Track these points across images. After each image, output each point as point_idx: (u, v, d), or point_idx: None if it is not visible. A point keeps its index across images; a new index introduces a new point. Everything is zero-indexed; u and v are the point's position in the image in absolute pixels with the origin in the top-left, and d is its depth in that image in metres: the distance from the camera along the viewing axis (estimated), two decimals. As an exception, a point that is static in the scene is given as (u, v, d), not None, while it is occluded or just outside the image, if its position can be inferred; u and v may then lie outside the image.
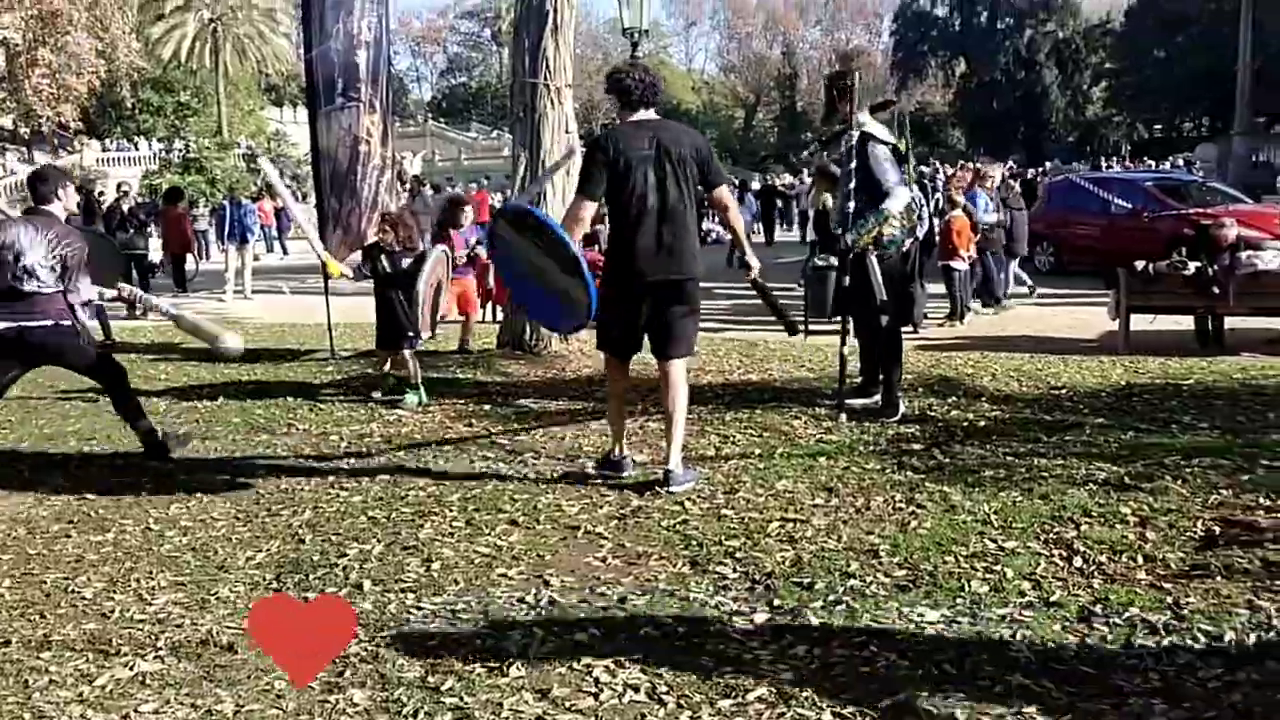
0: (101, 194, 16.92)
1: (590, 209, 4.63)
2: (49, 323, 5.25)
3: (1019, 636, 3.12)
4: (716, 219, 26.57)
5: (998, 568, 3.64)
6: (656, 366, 4.82)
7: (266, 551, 4.13)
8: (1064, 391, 6.59)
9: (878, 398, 6.16)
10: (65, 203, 5.48)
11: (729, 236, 8.74)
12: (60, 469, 5.51)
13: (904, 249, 7.34)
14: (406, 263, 6.77)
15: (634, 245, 4.49)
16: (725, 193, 4.90)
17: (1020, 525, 4.04)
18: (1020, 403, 6.29)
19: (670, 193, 4.47)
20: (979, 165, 13.88)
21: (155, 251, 19.35)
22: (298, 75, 24.22)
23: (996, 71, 54.27)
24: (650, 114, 4.65)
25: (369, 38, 9.15)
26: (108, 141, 43.64)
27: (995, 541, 3.89)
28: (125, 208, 16.09)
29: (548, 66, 7.99)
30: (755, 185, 28.28)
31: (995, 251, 11.23)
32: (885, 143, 5.89)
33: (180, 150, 40.66)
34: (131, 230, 14.92)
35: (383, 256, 6.89)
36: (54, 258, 5.19)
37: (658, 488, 4.63)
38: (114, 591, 3.77)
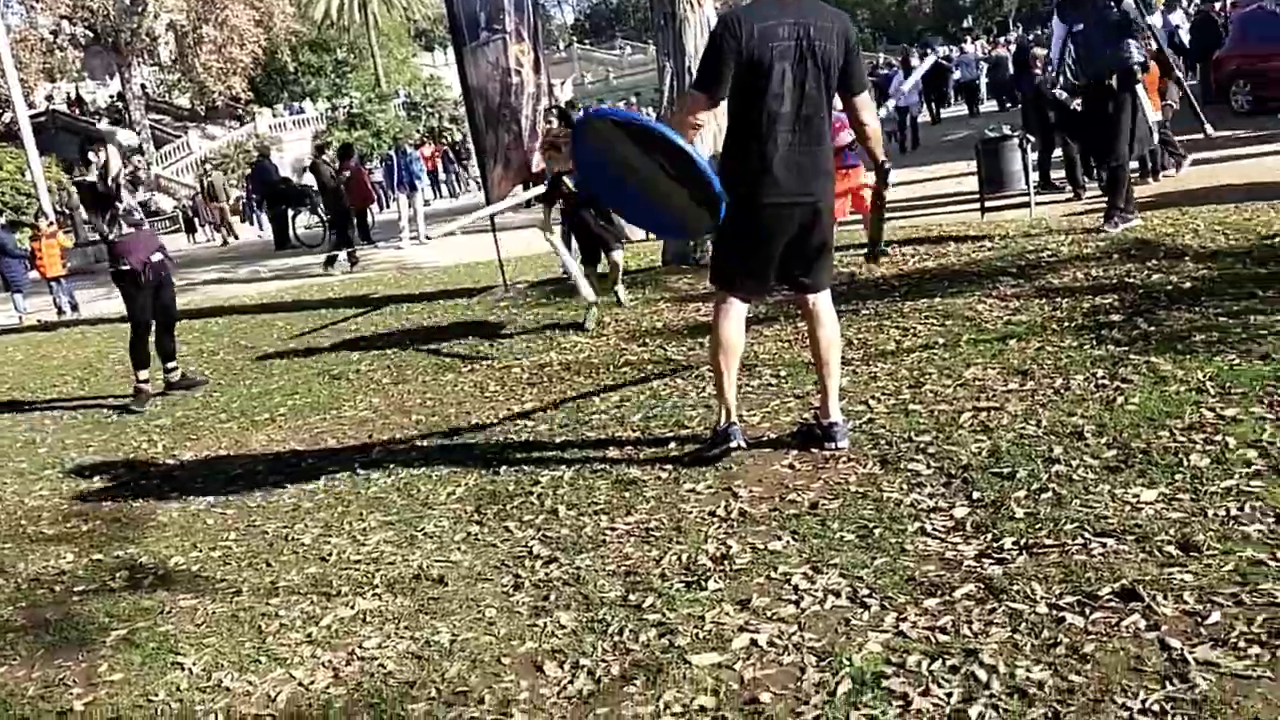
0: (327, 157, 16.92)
1: (708, 112, 3.81)
2: None
3: (1248, 509, 2.90)
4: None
5: (1218, 438, 3.38)
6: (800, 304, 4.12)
7: (465, 485, 4.26)
8: (1277, 240, 6.04)
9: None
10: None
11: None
12: (269, 424, 5.85)
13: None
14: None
15: (762, 162, 3.71)
16: (867, 102, 3.93)
17: (1240, 390, 3.74)
18: (1229, 258, 5.81)
19: (810, 98, 3.66)
20: None
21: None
22: (444, 17, 24.48)
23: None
24: None
25: (508, -34, 9.10)
26: (278, 108, 45.52)
27: (1213, 410, 3.61)
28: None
29: (684, -31, 7.77)
30: (916, 61, 26.91)
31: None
32: None
33: (345, 107, 42.03)
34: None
35: (566, 179, 6.96)
36: None
37: (818, 445, 3.94)
38: (330, 535, 3.98)
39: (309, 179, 22.62)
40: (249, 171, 26.06)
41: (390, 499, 4.26)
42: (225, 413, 6.32)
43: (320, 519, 4.17)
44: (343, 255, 14.18)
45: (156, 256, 6.93)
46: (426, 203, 20.04)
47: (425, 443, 4.98)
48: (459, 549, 3.63)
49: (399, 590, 3.37)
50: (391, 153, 18.05)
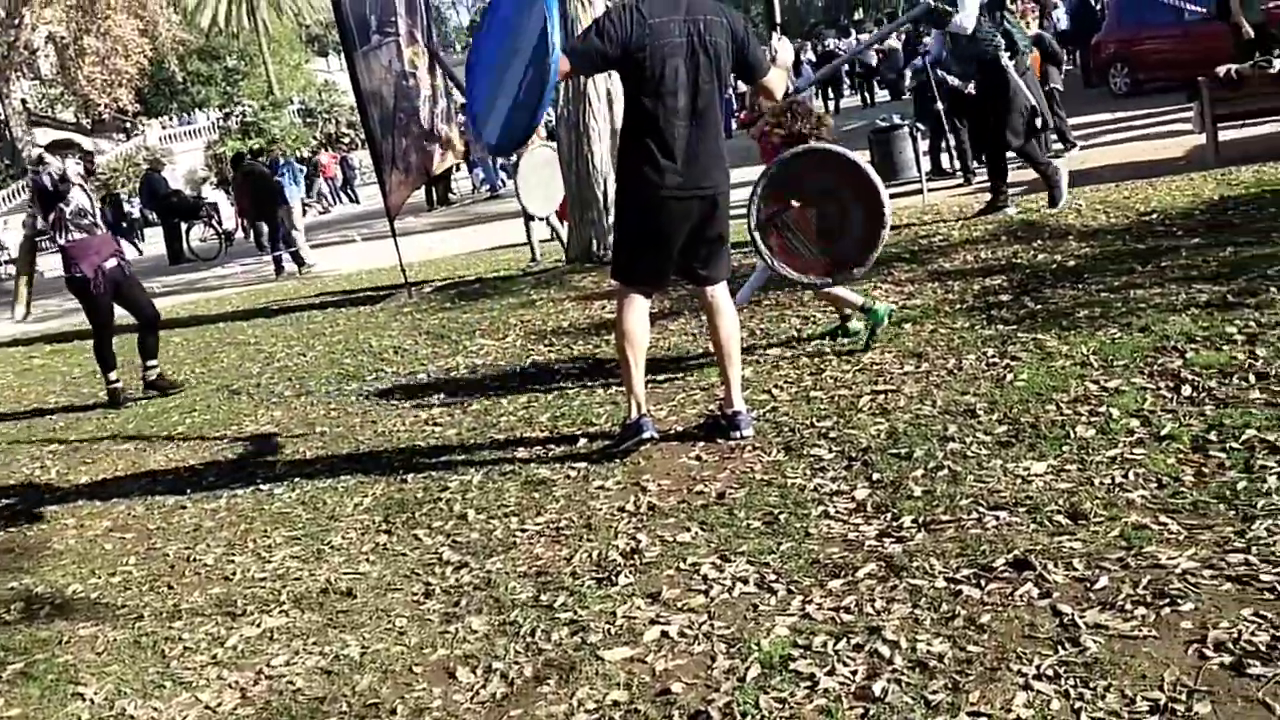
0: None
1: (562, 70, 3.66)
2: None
3: (1132, 476, 3.02)
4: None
5: (1102, 409, 3.52)
6: (699, 297, 4.23)
7: (372, 495, 4.21)
8: (1155, 216, 6.30)
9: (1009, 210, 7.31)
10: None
11: None
12: (167, 444, 5.70)
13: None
14: None
15: (660, 155, 3.75)
16: (777, 80, 4.08)
17: (1122, 362, 3.90)
18: (1110, 235, 6.04)
19: (704, 92, 3.76)
20: None
21: (230, 219, 19.74)
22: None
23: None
24: None
25: (397, -33, 8.99)
26: (166, 119, 44.21)
27: (1097, 383, 3.76)
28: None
29: (573, -33, 7.78)
30: (810, 55, 27.29)
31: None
32: None
33: (238, 116, 41.01)
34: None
35: None
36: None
37: (724, 435, 4.00)
38: (233, 554, 3.89)
39: (205, 190, 22.09)
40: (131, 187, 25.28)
41: (295, 514, 4.19)
42: (122, 433, 6.13)
43: (223, 538, 4.08)
44: (287, 257, 13.88)
45: (111, 262, 6.82)
46: (325, 210, 19.65)
47: (330, 454, 4.90)
48: (367, 560, 3.59)
49: (306, 606, 3.31)
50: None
